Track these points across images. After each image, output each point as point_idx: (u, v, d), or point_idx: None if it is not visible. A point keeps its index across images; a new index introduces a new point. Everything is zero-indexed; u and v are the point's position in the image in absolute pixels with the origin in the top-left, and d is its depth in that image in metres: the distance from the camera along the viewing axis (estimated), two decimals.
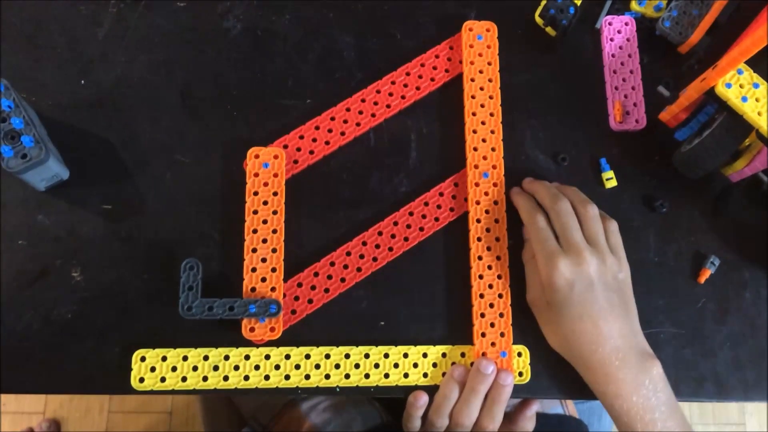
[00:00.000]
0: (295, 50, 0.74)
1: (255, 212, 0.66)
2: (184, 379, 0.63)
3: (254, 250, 0.66)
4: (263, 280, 0.65)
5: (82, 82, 0.71)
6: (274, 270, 0.65)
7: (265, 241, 0.66)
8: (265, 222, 0.66)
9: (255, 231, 0.66)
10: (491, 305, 0.67)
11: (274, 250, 0.65)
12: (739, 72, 0.64)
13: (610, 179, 0.73)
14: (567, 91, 0.76)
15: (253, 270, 0.65)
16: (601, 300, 0.63)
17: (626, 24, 0.76)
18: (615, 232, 0.67)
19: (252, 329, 0.64)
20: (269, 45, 0.74)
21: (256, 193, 0.67)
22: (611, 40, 0.76)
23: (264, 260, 0.65)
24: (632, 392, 0.61)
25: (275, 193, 0.67)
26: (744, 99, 0.64)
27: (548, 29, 0.75)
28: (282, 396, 0.89)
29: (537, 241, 0.65)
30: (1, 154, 0.61)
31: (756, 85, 0.64)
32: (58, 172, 0.65)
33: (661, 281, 0.71)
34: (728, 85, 0.64)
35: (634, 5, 0.77)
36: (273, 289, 0.65)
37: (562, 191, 0.68)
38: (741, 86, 0.64)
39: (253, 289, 0.65)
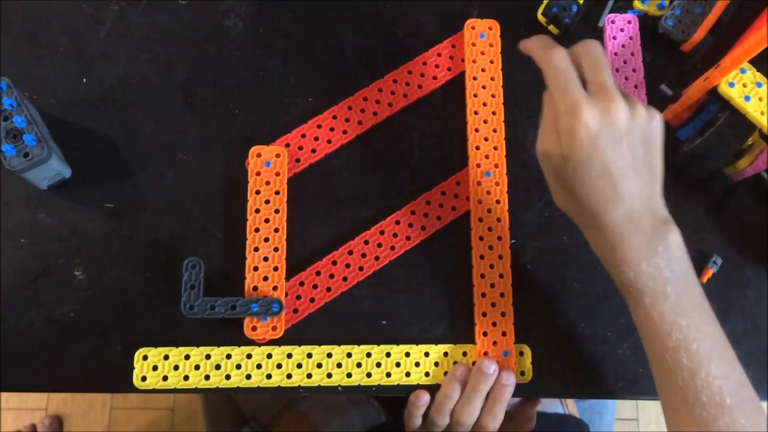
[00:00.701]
0: (297, 48, 0.74)
1: (257, 211, 0.66)
2: (186, 377, 0.63)
3: (256, 249, 0.66)
4: (265, 279, 0.65)
5: (84, 80, 0.71)
6: (276, 269, 0.65)
7: (267, 239, 0.66)
8: (267, 221, 0.66)
9: (257, 230, 0.66)
10: (493, 304, 0.67)
11: (276, 249, 0.65)
12: (742, 71, 0.64)
13: None
14: None
15: (255, 269, 0.65)
16: (626, 155, 0.53)
17: (629, 22, 0.76)
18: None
19: (254, 328, 0.64)
20: (271, 43, 0.74)
21: (258, 192, 0.67)
22: (614, 38, 0.76)
23: (266, 259, 0.65)
24: (642, 259, 0.55)
25: (277, 192, 0.67)
26: (747, 98, 0.64)
27: (551, 27, 0.75)
28: (282, 395, 0.90)
29: (557, 85, 0.54)
30: (3, 153, 0.61)
31: (759, 85, 0.64)
32: (60, 170, 0.65)
33: None
34: (731, 85, 0.64)
35: (636, 3, 0.77)
36: (275, 288, 0.65)
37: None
38: (744, 85, 0.64)
39: (255, 288, 0.65)
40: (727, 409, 0.53)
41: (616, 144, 0.53)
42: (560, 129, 0.53)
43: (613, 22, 0.76)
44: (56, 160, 0.64)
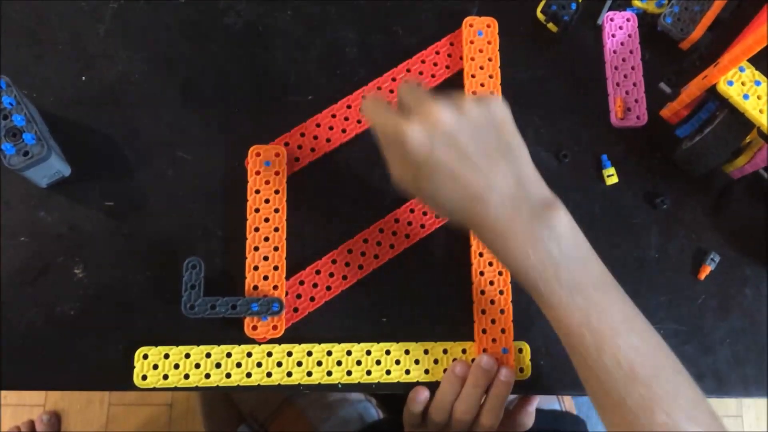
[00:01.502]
0: (296, 46, 0.74)
1: (257, 210, 0.66)
2: (186, 376, 0.63)
3: (256, 249, 0.66)
4: (265, 278, 0.65)
5: (84, 78, 0.71)
6: (276, 268, 0.65)
7: (267, 239, 0.66)
8: (267, 220, 0.66)
9: (257, 229, 0.66)
10: (492, 302, 0.67)
11: (276, 249, 0.66)
12: (741, 69, 0.64)
13: (611, 176, 0.73)
14: (568, 88, 0.76)
15: (255, 268, 0.65)
16: (471, 149, 0.53)
17: (628, 20, 0.76)
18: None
19: (254, 328, 0.64)
20: (271, 41, 0.74)
21: (257, 191, 0.67)
22: (613, 36, 0.76)
23: (266, 258, 0.65)
24: (528, 246, 0.53)
25: (277, 191, 0.67)
26: (745, 96, 0.64)
27: (550, 25, 0.75)
28: (280, 393, 0.90)
29: (377, 118, 0.56)
30: (2, 152, 0.61)
31: (758, 83, 0.64)
32: (59, 168, 0.65)
33: (662, 278, 0.72)
34: (730, 83, 0.64)
35: (635, 1, 0.77)
36: (275, 288, 0.65)
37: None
38: (743, 84, 0.64)
39: (256, 288, 0.65)
40: (641, 379, 0.51)
41: (452, 142, 0.53)
42: (397, 155, 0.55)
43: (611, 19, 0.76)
44: (56, 158, 0.64)
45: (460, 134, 0.53)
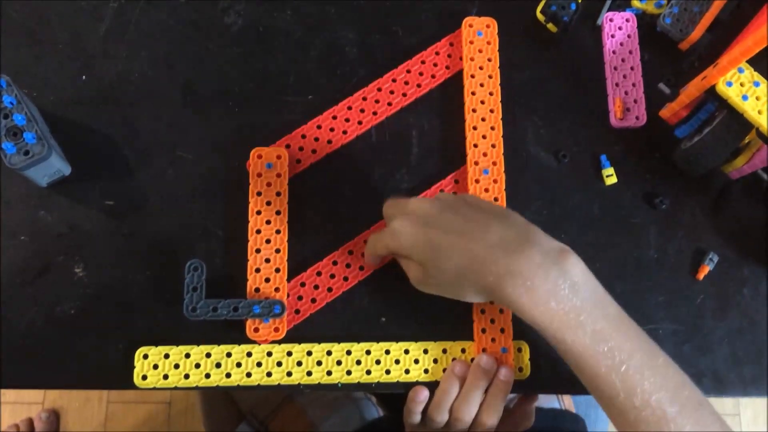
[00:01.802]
0: (296, 46, 0.74)
1: (258, 213, 0.67)
2: (186, 376, 0.63)
3: (258, 251, 0.66)
4: (267, 280, 0.65)
5: (84, 77, 0.71)
6: (278, 270, 0.65)
7: (268, 241, 0.66)
8: (268, 222, 0.66)
9: (259, 231, 0.66)
10: (491, 301, 0.68)
11: (277, 251, 0.66)
12: (740, 70, 0.65)
13: (610, 176, 0.73)
14: (568, 88, 0.76)
15: (257, 270, 0.65)
16: (455, 220, 0.57)
17: (627, 20, 0.76)
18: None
19: (256, 330, 0.64)
20: (271, 41, 0.74)
21: (259, 194, 0.67)
22: (612, 36, 0.76)
23: (268, 261, 0.66)
24: (550, 298, 0.54)
25: (278, 194, 0.67)
26: (744, 97, 0.64)
27: (549, 26, 0.75)
28: (280, 392, 0.90)
29: (373, 243, 0.64)
30: (3, 151, 0.61)
31: (757, 84, 0.64)
32: (60, 168, 0.66)
33: (661, 278, 0.72)
34: (729, 84, 0.64)
35: (635, 2, 0.77)
36: (277, 290, 0.65)
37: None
38: (742, 84, 0.64)
39: (257, 290, 0.65)
40: (670, 419, 0.53)
41: (438, 222, 0.57)
42: (403, 255, 0.60)
43: (611, 20, 0.76)
44: (56, 157, 0.64)
45: (442, 212, 0.58)
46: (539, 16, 0.76)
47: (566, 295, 0.55)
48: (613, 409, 0.55)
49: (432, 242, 0.57)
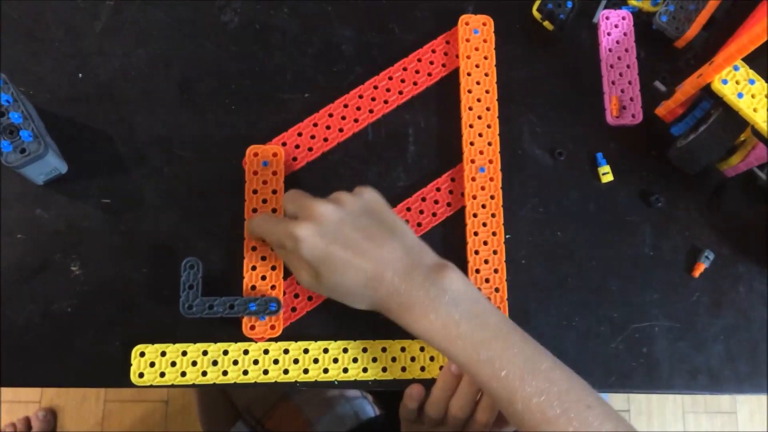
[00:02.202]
0: (293, 44, 0.74)
1: (254, 210, 0.67)
2: (183, 374, 0.64)
3: (254, 249, 0.66)
4: (263, 278, 0.65)
5: (80, 75, 0.71)
6: (274, 268, 0.66)
7: (264, 239, 0.66)
8: None
9: None
10: (488, 299, 0.68)
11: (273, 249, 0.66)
12: (736, 68, 0.65)
13: (606, 174, 0.73)
14: (564, 86, 0.76)
15: (253, 268, 0.66)
16: (357, 235, 0.58)
17: (623, 18, 0.77)
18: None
19: (252, 327, 0.64)
20: (268, 39, 0.74)
21: (255, 192, 0.67)
22: (608, 34, 0.76)
23: (264, 258, 0.66)
24: (429, 311, 0.57)
25: (274, 191, 0.67)
26: (740, 95, 0.64)
27: (546, 23, 0.75)
28: (276, 389, 0.90)
29: (269, 233, 0.62)
30: (2, 151, 0.61)
31: (752, 82, 0.64)
32: (56, 166, 0.66)
33: (657, 275, 0.72)
34: (724, 81, 0.64)
35: (631, 0, 0.77)
36: (273, 287, 0.65)
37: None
38: (737, 82, 0.64)
39: (254, 287, 0.65)
40: (551, 421, 0.53)
41: (340, 234, 0.58)
42: (297, 261, 0.59)
43: (607, 18, 0.77)
44: (53, 155, 0.64)
45: (344, 224, 0.58)
46: (535, 14, 0.76)
47: (446, 309, 0.57)
48: (504, 412, 0.56)
49: (332, 256, 0.57)
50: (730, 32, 0.71)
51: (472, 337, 0.56)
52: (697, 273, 0.72)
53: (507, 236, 0.70)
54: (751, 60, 0.64)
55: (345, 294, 0.60)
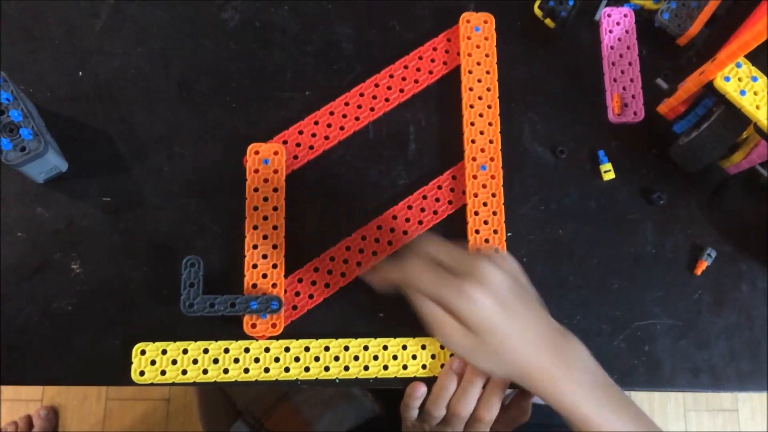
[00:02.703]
0: (293, 42, 0.74)
1: (255, 209, 0.66)
2: (184, 372, 0.63)
3: (255, 247, 0.66)
4: (264, 276, 0.65)
5: (80, 74, 0.71)
6: (275, 266, 0.65)
7: (265, 237, 0.66)
8: (265, 218, 0.66)
9: (256, 227, 0.66)
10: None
11: (275, 246, 0.66)
12: (738, 65, 0.64)
13: (608, 171, 0.73)
14: (565, 83, 0.76)
15: (254, 266, 0.65)
16: (519, 301, 0.59)
17: (625, 16, 0.76)
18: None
19: (254, 326, 0.64)
20: (268, 37, 0.74)
21: (256, 190, 0.67)
22: (610, 31, 0.76)
23: (265, 257, 0.66)
24: (571, 381, 0.58)
25: (275, 190, 0.67)
26: (742, 92, 0.64)
27: (547, 21, 0.75)
28: (276, 389, 0.90)
29: (435, 288, 0.58)
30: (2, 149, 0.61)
31: (754, 79, 0.64)
32: (57, 164, 0.65)
33: (658, 273, 0.72)
34: (727, 79, 0.64)
35: None
36: (274, 286, 0.65)
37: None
38: (739, 80, 0.64)
39: (255, 286, 0.65)
40: None
41: (508, 304, 0.57)
42: (462, 317, 0.57)
43: (609, 15, 0.76)
44: (53, 154, 0.64)
45: (511, 294, 0.58)
46: (537, 11, 0.75)
47: (585, 378, 0.59)
48: None
49: (499, 327, 0.57)
50: (732, 29, 0.70)
51: (606, 401, 0.58)
52: (699, 271, 0.71)
53: (508, 234, 0.70)
54: (754, 57, 0.64)
55: (488, 359, 0.59)
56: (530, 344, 0.58)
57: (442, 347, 0.67)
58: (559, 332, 0.60)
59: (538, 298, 0.61)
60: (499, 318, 0.57)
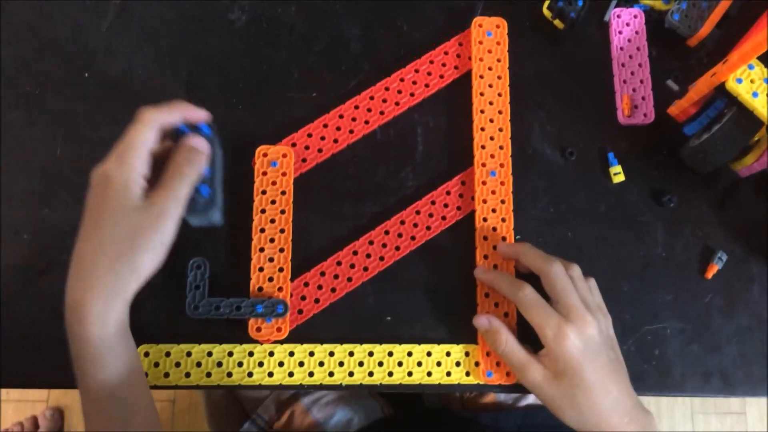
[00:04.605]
0: (301, 41, 0.74)
1: (263, 211, 0.66)
2: (187, 374, 0.63)
3: (261, 250, 0.65)
4: (270, 279, 0.65)
5: (86, 74, 0.70)
6: (281, 270, 0.65)
7: (272, 240, 0.65)
8: (272, 221, 0.66)
9: (262, 230, 0.65)
10: (496, 304, 0.67)
11: (281, 250, 0.65)
12: (750, 67, 0.64)
13: (617, 174, 0.72)
14: (575, 85, 0.75)
15: (261, 269, 0.65)
16: (608, 362, 0.61)
17: (635, 16, 0.76)
18: (596, 288, 0.67)
19: (259, 329, 0.64)
20: (275, 36, 0.73)
21: (264, 192, 0.66)
22: (620, 32, 0.75)
23: (271, 260, 0.65)
24: None
25: (283, 192, 0.66)
26: (755, 94, 0.63)
27: (556, 22, 0.75)
28: (285, 390, 0.89)
29: (538, 315, 0.62)
30: None
31: (767, 81, 0.63)
32: (215, 220, 0.64)
33: (669, 276, 0.71)
34: (739, 81, 0.63)
35: None
36: (280, 289, 0.65)
37: (519, 248, 0.67)
38: (752, 81, 0.64)
39: (260, 289, 0.64)
40: None
41: (598, 353, 0.61)
42: (553, 353, 0.61)
43: (618, 16, 0.76)
44: (217, 211, 0.63)
45: (602, 345, 0.61)
46: (546, 12, 0.75)
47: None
48: None
49: (582, 375, 0.60)
50: (744, 30, 0.70)
51: None
52: (710, 274, 0.71)
53: (517, 237, 0.69)
54: (767, 58, 0.63)
55: (575, 405, 0.61)
56: (611, 404, 0.60)
57: (447, 354, 0.66)
58: (639, 407, 0.62)
59: (625, 372, 0.63)
60: (584, 364, 0.60)
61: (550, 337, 0.61)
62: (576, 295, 0.62)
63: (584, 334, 0.60)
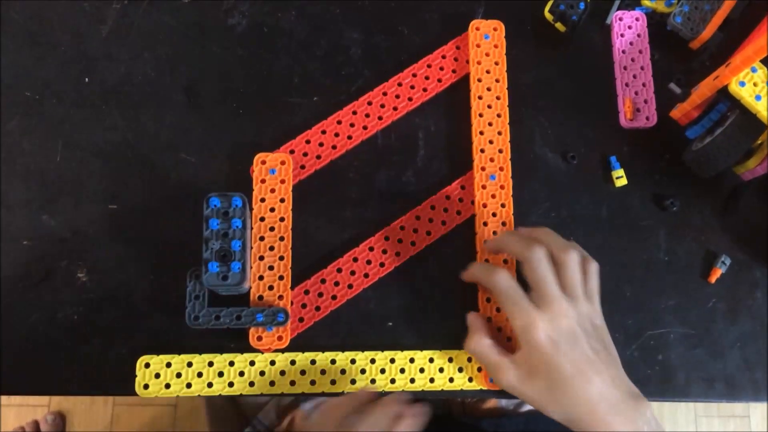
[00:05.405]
0: (301, 47, 0.73)
1: (262, 219, 0.66)
2: (188, 385, 0.63)
3: (261, 258, 0.65)
4: (270, 288, 0.64)
5: (86, 80, 0.70)
6: (281, 278, 0.64)
7: (272, 248, 0.65)
8: (272, 229, 0.65)
9: (262, 239, 0.65)
10: (498, 309, 0.67)
11: (281, 258, 0.65)
12: (753, 70, 0.63)
13: (620, 177, 0.72)
14: (576, 88, 0.75)
15: (261, 278, 0.65)
16: (588, 351, 0.58)
17: (637, 19, 0.75)
18: (594, 275, 0.62)
19: (259, 338, 0.63)
20: (275, 42, 0.73)
21: (263, 200, 0.66)
22: (622, 35, 0.75)
23: (271, 268, 0.65)
24: None
25: (282, 200, 0.66)
26: (758, 98, 0.63)
27: (558, 25, 0.74)
28: (285, 396, 0.89)
29: (508, 304, 0.60)
30: (205, 266, 0.59)
31: None
32: (241, 291, 0.64)
33: (671, 281, 0.71)
34: (742, 84, 0.63)
35: (645, 0, 0.76)
36: (280, 298, 0.64)
37: (536, 234, 0.63)
38: (755, 84, 0.63)
39: (261, 298, 0.64)
40: None
41: (574, 343, 0.58)
42: (522, 344, 0.59)
43: (620, 19, 0.75)
44: (246, 282, 0.62)
45: (580, 334, 0.58)
46: (547, 15, 0.74)
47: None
48: None
49: (557, 368, 0.57)
50: (747, 33, 0.70)
51: None
52: (713, 279, 0.70)
53: None
54: None
55: (553, 399, 0.59)
56: (595, 397, 0.57)
57: (450, 360, 0.66)
58: (629, 398, 0.58)
59: (615, 363, 0.60)
60: (557, 357, 0.57)
61: (518, 328, 0.59)
62: (554, 283, 0.59)
63: (557, 324, 0.58)
